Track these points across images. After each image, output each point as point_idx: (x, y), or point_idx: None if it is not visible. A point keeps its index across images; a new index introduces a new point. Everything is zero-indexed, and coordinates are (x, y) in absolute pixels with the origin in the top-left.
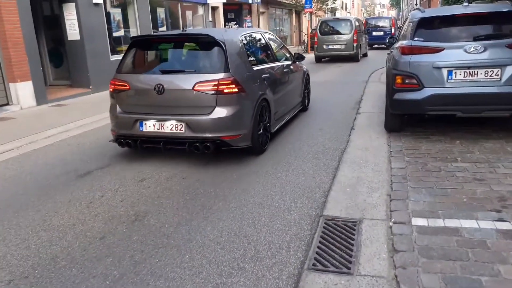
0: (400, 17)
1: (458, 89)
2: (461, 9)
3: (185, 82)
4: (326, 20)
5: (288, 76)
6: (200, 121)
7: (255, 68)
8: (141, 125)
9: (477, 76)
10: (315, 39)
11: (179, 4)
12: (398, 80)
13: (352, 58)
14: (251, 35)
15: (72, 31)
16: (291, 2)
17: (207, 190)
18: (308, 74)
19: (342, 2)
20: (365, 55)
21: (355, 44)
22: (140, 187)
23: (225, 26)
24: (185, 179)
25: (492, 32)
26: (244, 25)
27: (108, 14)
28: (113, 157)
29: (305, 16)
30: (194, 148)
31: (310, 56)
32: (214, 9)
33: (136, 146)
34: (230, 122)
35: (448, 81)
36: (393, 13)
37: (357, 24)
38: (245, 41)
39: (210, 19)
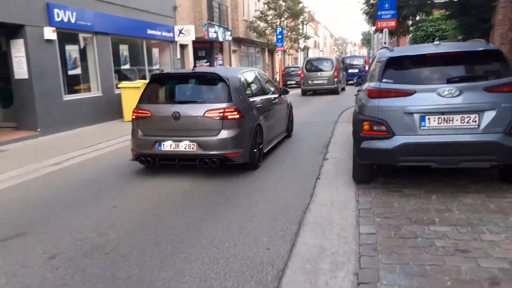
0: (371, 55)
1: (432, 137)
2: (432, 48)
3: (197, 110)
4: (311, 59)
5: (276, 107)
6: (209, 141)
7: (251, 99)
8: (160, 145)
9: (452, 123)
10: (302, 75)
11: (144, 42)
12: (366, 127)
13: (333, 91)
14: (247, 73)
15: (20, 70)
16: (262, 41)
17: (130, 272)
18: (291, 106)
19: (315, 41)
20: (343, 89)
21: (336, 79)
22: (46, 269)
23: (195, 64)
24: (107, 254)
25: (468, 73)
26: (215, 63)
27: (63, 51)
28: (32, 222)
29: (277, 55)
30: (203, 163)
31: None
32: (183, 47)
33: (154, 163)
34: (233, 141)
35: (421, 128)
36: (364, 51)
37: (337, 62)
38: (243, 78)
39: (179, 56)
